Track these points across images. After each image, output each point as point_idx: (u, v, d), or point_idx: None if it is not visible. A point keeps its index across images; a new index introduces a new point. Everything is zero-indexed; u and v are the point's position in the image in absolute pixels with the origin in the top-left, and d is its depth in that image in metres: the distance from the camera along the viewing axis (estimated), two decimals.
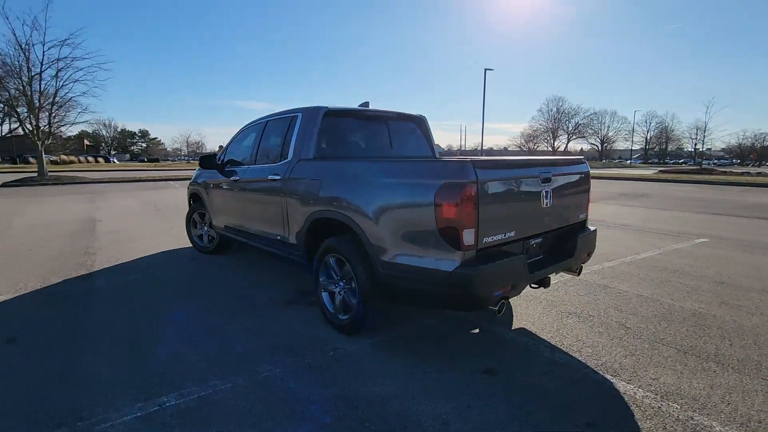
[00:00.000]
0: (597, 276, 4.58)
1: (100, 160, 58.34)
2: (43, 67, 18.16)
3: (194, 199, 5.71)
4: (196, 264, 5.15)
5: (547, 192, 2.82)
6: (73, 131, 39.96)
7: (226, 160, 4.78)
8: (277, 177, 3.67)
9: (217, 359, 2.74)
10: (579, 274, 3.34)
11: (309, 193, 3.29)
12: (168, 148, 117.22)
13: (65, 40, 18.32)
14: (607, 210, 10.30)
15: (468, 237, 2.32)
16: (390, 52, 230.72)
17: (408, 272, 2.54)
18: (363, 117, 4.04)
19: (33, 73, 17.95)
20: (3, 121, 34.19)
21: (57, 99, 19.19)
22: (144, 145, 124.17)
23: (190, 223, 5.75)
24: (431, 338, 3.09)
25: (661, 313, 3.53)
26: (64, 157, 54.80)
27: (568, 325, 3.28)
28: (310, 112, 3.64)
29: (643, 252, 5.73)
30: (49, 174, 19.94)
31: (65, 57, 18.52)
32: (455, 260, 2.34)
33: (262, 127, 4.26)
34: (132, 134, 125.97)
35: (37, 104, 18.46)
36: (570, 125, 69.06)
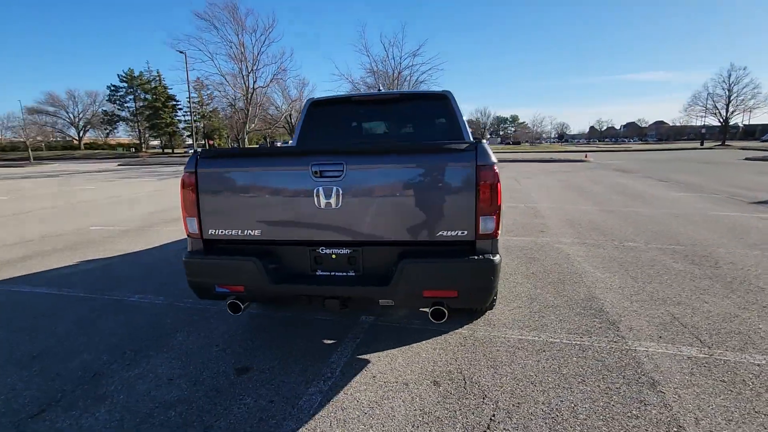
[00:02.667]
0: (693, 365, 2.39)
1: None
2: (401, 73, 24.66)
3: None
4: None
5: (329, 190, 2.15)
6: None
7: None
8: None
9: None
10: (437, 320, 2.18)
11: None
12: (536, 131, 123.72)
13: (416, 50, 23.93)
14: None
15: (190, 225, 2.37)
16: None
17: None
18: (360, 103, 3.91)
19: (392, 79, 24.77)
20: None
21: None
22: (513, 129, 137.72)
23: None
24: (284, 331, 3.01)
25: None
26: None
27: (396, 396, 2.28)
28: (305, 103, 4.03)
29: None
30: None
31: (414, 65, 24.25)
32: (188, 246, 2.45)
33: None
34: (504, 120, 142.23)
35: None
36: None
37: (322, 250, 2.31)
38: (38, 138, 56.12)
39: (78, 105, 64.99)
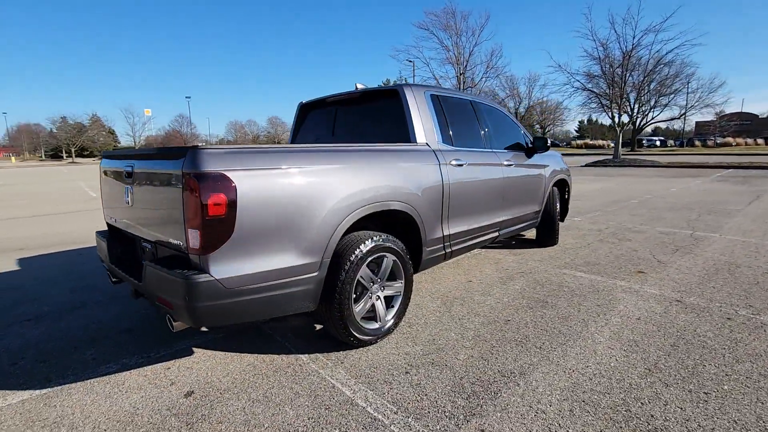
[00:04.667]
0: None
1: (760, 141, 51.33)
2: (632, 55, 19.91)
3: None
4: None
5: (128, 189, 2.41)
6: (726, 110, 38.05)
7: None
8: None
9: None
10: (172, 329, 2.08)
11: None
12: None
13: (659, 23, 18.95)
14: None
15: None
16: None
17: None
18: (332, 104, 3.76)
19: (616, 65, 20.24)
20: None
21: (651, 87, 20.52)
22: None
23: None
24: None
25: None
26: (729, 139, 53.20)
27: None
28: (297, 106, 4.18)
29: None
30: (622, 157, 22.06)
31: (656, 42, 19.21)
32: None
33: None
34: None
35: (628, 93, 20.77)
36: None
37: (142, 241, 2.58)
38: None
39: None
